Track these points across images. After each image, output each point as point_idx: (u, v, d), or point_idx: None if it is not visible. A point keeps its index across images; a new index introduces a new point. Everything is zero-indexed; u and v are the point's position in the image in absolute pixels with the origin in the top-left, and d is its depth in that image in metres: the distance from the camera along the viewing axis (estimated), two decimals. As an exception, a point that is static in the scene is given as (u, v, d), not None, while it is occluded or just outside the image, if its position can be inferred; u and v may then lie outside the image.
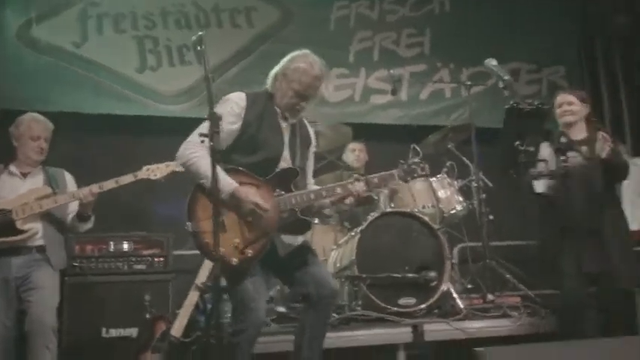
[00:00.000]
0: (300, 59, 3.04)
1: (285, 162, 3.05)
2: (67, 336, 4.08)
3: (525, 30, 6.98)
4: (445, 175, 4.89)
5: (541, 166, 3.69)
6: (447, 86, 6.72)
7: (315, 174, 3.72)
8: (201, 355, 3.80)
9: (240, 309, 2.84)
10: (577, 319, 3.76)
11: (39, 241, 3.59)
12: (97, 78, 5.75)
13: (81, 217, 3.70)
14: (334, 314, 4.10)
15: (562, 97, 3.97)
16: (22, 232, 3.53)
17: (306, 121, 3.25)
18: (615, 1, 6.99)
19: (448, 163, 4.98)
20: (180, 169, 3.33)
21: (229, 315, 3.20)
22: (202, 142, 2.68)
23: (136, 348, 3.89)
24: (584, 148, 3.80)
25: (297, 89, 2.99)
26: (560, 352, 2.04)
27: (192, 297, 3.90)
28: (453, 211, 4.77)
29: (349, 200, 3.08)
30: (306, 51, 3.10)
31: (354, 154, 5.51)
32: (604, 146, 3.62)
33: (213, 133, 2.49)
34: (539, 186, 3.75)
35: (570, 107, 3.90)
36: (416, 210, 4.50)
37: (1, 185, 3.71)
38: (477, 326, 3.94)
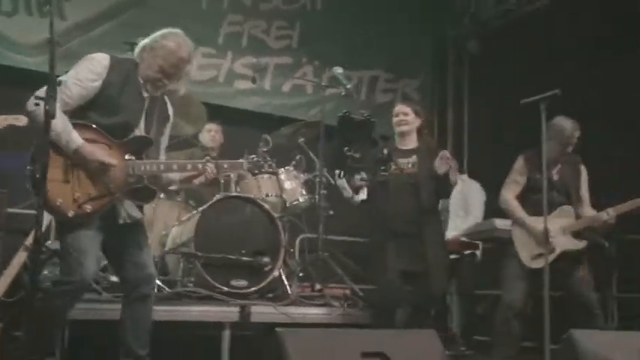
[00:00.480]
0: (171, 38, 3.09)
1: (139, 131, 3.10)
2: None
3: (388, 40, 7.39)
4: (292, 168, 5.12)
5: (362, 175, 4.05)
6: (309, 82, 6.98)
7: (168, 149, 3.78)
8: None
9: (69, 261, 2.86)
10: (390, 312, 4.17)
11: None
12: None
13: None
14: (166, 288, 4.20)
15: (399, 108, 4.34)
16: None
17: (167, 99, 3.30)
18: (469, 27, 7.65)
19: (297, 157, 5.21)
20: (20, 123, 3.26)
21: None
22: (37, 104, 2.62)
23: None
24: (413, 157, 4.21)
25: (161, 65, 3.04)
26: (351, 338, 2.30)
27: (20, 257, 3.81)
28: (295, 202, 4.99)
29: (198, 180, 3.20)
30: (178, 31, 3.15)
31: (210, 134, 5.58)
32: (442, 164, 4.00)
33: (49, 97, 2.46)
34: (363, 194, 4.13)
35: (405, 117, 4.27)
36: (259, 197, 4.69)
37: None
38: (300, 312, 4.20)
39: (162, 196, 4.84)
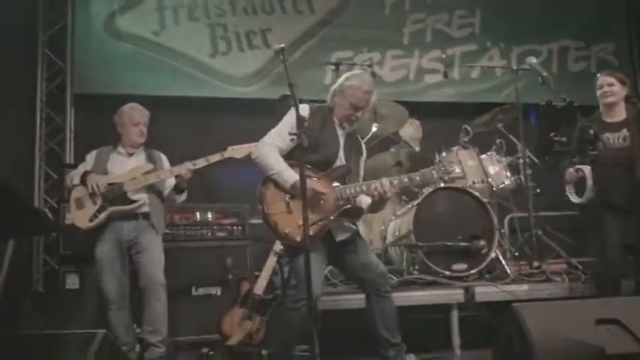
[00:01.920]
0: (353, 78, 3.60)
1: (340, 162, 3.60)
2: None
3: (573, 8, 7.26)
4: (494, 153, 5.31)
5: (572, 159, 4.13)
6: (498, 64, 7.07)
7: (372, 152, 4.19)
8: (277, 310, 4.40)
9: (298, 281, 3.43)
10: (616, 283, 4.20)
11: (145, 209, 4.20)
12: (174, 63, 6.33)
13: (177, 189, 4.29)
14: (393, 277, 4.64)
15: (603, 79, 4.30)
16: (133, 201, 4.15)
17: (359, 136, 3.80)
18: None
19: (497, 141, 5.39)
20: (238, 155, 4.01)
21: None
22: (292, 140, 3.25)
23: (223, 304, 4.53)
24: (623, 131, 4.18)
25: (352, 102, 3.54)
26: (584, 307, 2.50)
27: (271, 261, 4.47)
28: (501, 185, 5.20)
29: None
30: (357, 71, 3.70)
31: (413, 126, 5.97)
32: None
33: (301, 134, 3.02)
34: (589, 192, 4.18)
35: (610, 88, 4.25)
36: (467, 185, 4.96)
37: (112, 163, 4.32)
38: (522, 289, 4.41)
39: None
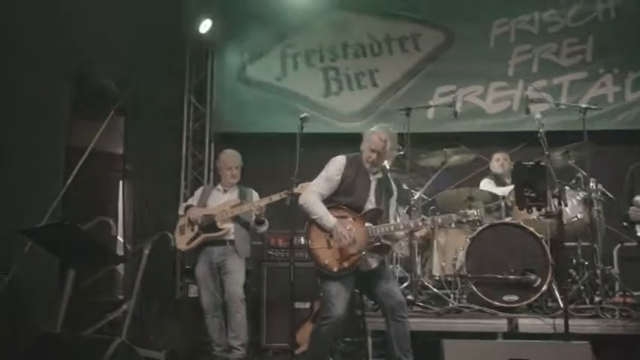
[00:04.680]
0: (374, 128, 4.34)
1: (370, 204, 4.26)
2: (267, 305, 5.69)
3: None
4: (569, 188, 5.45)
5: None
6: (609, 91, 6.98)
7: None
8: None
9: (326, 304, 4.12)
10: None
11: (231, 237, 5.12)
12: (294, 104, 7.30)
13: (257, 221, 5.19)
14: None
15: None
16: (220, 230, 5.12)
17: (391, 179, 4.45)
18: None
19: (577, 175, 5.51)
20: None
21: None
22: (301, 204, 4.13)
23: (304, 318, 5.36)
24: None
25: (370, 146, 4.24)
26: (506, 348, 2.87)
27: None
28: (574, 219, 5.33)
29: (419, 234, 4.17)
30: (383, 124, 4.41)
31: (499, 162, 6.29)
32: None
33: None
34: None
35: None
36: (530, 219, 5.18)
37: (211, 197, 5.36)
38: (574, 324, 4.46)
39: (452, 225, 5.73)
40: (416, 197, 5.70)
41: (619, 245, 6.08)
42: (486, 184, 6.12)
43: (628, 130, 6.95)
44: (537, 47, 7.20)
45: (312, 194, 4.25)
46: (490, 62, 7.19)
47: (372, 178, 4.32)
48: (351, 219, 4.19)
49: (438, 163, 5.77)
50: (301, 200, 4.26)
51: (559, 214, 4.01)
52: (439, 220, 4.29)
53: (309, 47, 7.42)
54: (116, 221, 6.16)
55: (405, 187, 5.57)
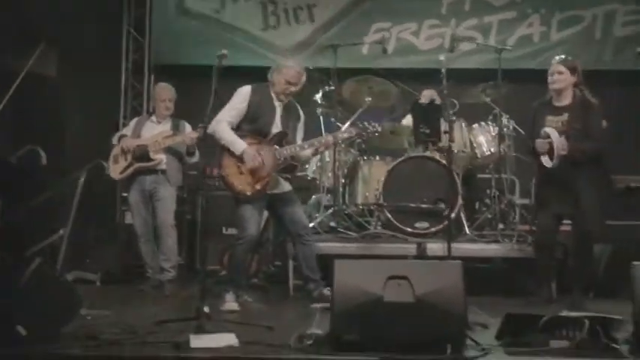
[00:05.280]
0: (290, 61, 4.66)
1: (277, 129, 4.56)
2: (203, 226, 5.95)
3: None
4: (485, 123, 5.81)
5: None
6: (536, 31, 7.29)
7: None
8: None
9: (240, 225, 4.50)
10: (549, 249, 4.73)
11: (163, 167, 5.35)
12: (232, 37, 7.42)
13: (188, 152, 5.43)
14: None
15: (554, 67, 4.65)
16: (153, 160, 5.33)
17: (297, 105, 4.74)
18: None
19: (494, 112, 5.86)
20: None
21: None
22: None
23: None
24: (565, 115, 4.57)
25: (287, 79, 4.50)
26: (384, 266, 3.24)
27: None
28: (487, 154, 5.72)
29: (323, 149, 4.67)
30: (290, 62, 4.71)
31: (423, 99, 6.53)
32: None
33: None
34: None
35: (559, 77, 4.59)
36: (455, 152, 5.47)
37: (145, 128, 5.54)
38: (464, 247, 5.03)
39: (377, 157, 6.04)
40: (343, 130, 5.99)
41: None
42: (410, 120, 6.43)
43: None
44: (470, -14, 7.40)
45: (220, 122, 4.47)
46: (424, 0, 7.38)
47: (276, 104, 4.60)
48: (259, 145, 4.47)
49: (363, 97, 5.99)
50: (210, 129, 4.36)
51: (448, 150, 4.30)
52: (343, 136, 4.70)
53: (247, -19, 7.48)
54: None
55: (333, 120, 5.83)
